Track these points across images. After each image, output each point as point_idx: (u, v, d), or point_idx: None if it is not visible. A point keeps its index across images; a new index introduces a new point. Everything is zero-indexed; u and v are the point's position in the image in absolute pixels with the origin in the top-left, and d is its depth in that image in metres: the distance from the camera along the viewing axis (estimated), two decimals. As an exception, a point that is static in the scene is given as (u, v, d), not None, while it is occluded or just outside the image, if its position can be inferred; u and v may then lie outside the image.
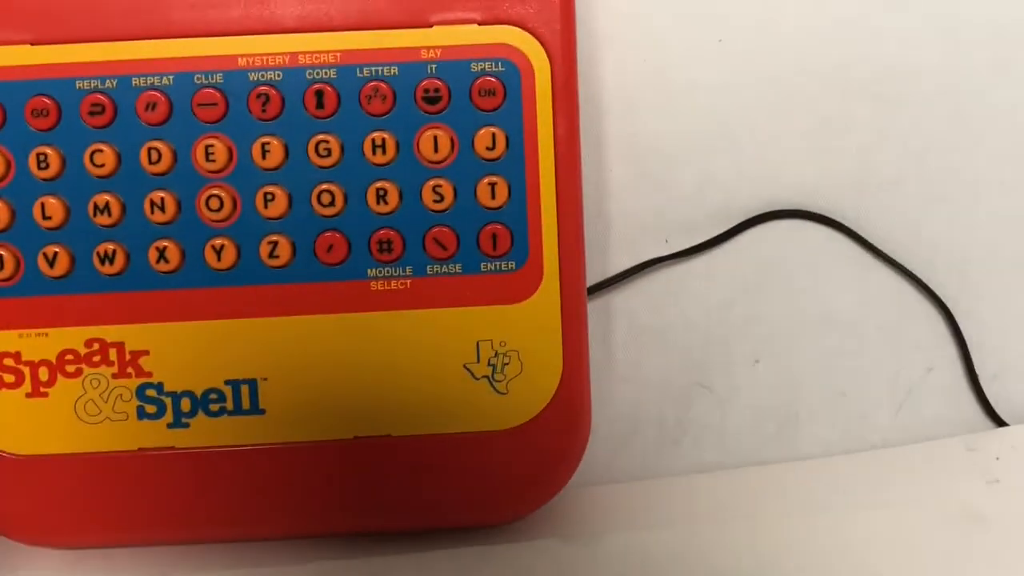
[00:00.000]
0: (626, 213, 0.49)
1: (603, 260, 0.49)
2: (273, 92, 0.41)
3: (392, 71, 0.42)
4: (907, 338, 0.50)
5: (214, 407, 0.43)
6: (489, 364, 0.43)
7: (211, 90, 0.41)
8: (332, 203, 0.42)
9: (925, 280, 0.50)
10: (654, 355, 0.49)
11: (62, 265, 0.42)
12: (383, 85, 0.42)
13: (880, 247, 0.50)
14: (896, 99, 0.49)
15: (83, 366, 0.43)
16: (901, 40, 0.49)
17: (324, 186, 0.42)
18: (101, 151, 0.41)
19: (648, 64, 0.48)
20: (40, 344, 0.42)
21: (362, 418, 0.43)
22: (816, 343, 0.50)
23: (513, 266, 0.43)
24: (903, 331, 0.50)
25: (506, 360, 0.43)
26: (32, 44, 0.41)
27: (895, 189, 0.50)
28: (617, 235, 0.49)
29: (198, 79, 0.41)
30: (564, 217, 0.43)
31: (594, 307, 0.49)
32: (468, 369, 0.43)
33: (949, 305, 0.50)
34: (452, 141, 0.42)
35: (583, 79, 0.46)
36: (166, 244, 0.42)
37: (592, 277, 0.48)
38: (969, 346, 0.50)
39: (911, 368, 0.50)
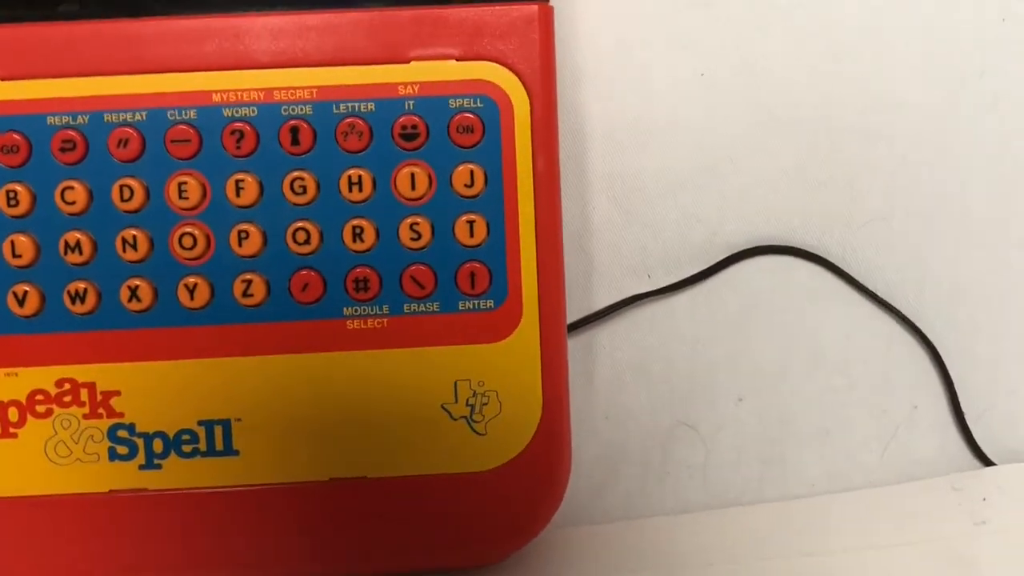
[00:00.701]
0: (608, 249, 0.48)
1: (585, 296, 0.49)
2: (248, 128, 0.41)
3: (369, 107, 0.41)
4: (893, 376, 0.50)
5: (187, 448, 0.42)
6: (467, 404, 0.42)
7: (184, 126, 0.41)
8: (307, 241, 0.41)
9: (911, 317, 0.49)
10: (637, 393, 0.49)
11: (32, 304, 0.41)
12: (360, 121, 0.41)
13: (866, 283, 0.49)
14: (882, 134, 0.49)
15: (53, 406, 0.42)
16: (887, 75, 0.48)
17: (299, 224, 0.41)
18: (72, 188, 0.41)
19: (630, 99, 0.48)
20: (9, 384, 0.42)
21: (338, 459, 0.42)
22: (801, 381, 0.49)
23: (492, 305, 0.42)
24: (889, 368, 0.50)
25: (484, 400, 0.42)
26: (1, 79, 0.41)
27: (881, 225, 0.49)
28: (599, 271, 0.48)
29: (171, 115, 0.41)
30: (544, 255, 0.42)
31: (576, 344, 0.48)
32: (446, 409, 0.42)
33: (935, 342, 0.49)
34: (430, 178, 0.41)
35: (564, 114, 0.46)
36: (138, 283, 0.41)
37: (574, 313, 0.47)
38: (955, 384, 0.50)
39: (897, 406, 0.50)
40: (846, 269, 0.49)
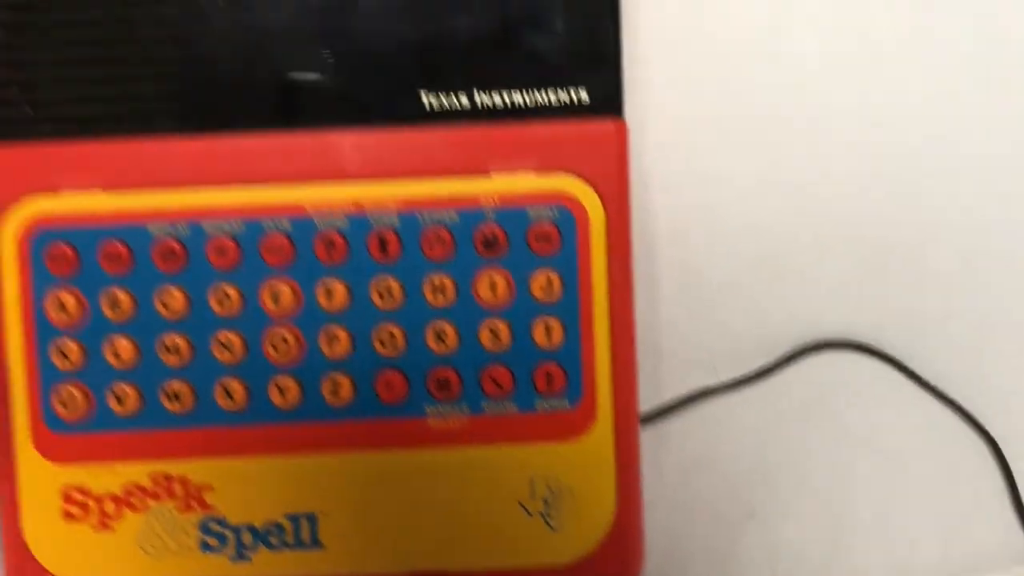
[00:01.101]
0: (677, 344, 0.50)
1: (654, 389, 0.50)
2: (338, 237, 0.43)
3: (452, 217, 0.43)
4: (955, 471, 0.51)
5: (274, 540, 0.44)
6: (543, 501, 0.44)
7: (279, 235, 0.43)
8: (393, 343, 0.43)
9: (973, 413, 0.50)
10: (704, 485, 0.50)
11: (131, 403, 0.43)
12: (443, 230, 0.43)
13: (928, 380, 0.50)
14: (944, 236, 0.50)
15: (148, 500, 0.44)
16: (950, 179, 0.50)
17: (385, 327, 0.43)
18: (171, 294, 0.43)
19: (699, 201, 0.49)
20: (108, 478, 0.44)
21: (419, 553, 0.44)
22: (864, 475, 0.50)
23: (567, 404, 0.44)
24: (951, 464, 0.51)
25: (560, 497, 0.44)
26: (105, 190, 0.43)
27: (943, 322, 0.50)
28: (668, 365, 0.50)
29: (267, 225, 0.43)
30: (617, 356, 0.44)
31: (645, 436, 0.49)
32: (523, 506, 0.44)
33: (997, 438, 0.50)
34: (509, 284, 0.43)
35: (635, 214, 0.47)
36: (232, 382, 0.43)
37: (643, 406, 0.49)
38: (1017, 479, 0.51)
39: (959, 502, 0.51)
40: (909, 365, 0.50)
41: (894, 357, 0.50)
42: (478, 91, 0.43)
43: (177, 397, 0.43)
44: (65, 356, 0.43)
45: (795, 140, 0.50)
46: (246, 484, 0.44)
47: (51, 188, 0.43)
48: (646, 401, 0.49)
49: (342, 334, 0.43)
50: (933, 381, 0.50)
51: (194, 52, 0.43)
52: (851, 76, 0.50)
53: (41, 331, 0.43)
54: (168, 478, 0.44)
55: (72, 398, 0.43)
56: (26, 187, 0.43)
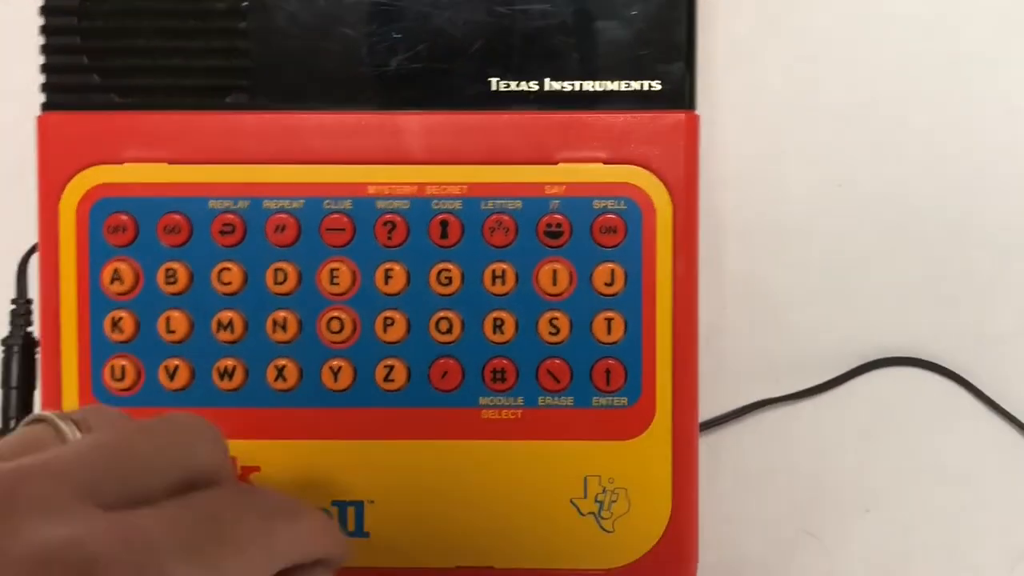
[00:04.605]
0: (738, 351, 0.49)
1: (713, 397, 0.49)
2: (399, 220, 0.42)
3: (516, 205, 0.42)
4: (1021, 494, 0.49)
5: (319, 527, 0.43)
6: (596, 501, 0.43)
7: (340, 215, 0.42)
8: (450, 330, 0.42)
9: (1041, 435, 0.49)
10: (760, 498, 0.49)
11: (182, 378, 0.43)
12: (506, 218, 0.42)
13: (996, 400, 0.48)
14: (1017, 251, 0.48)
15: (194, 479, 0.43)
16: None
17: (443, 313, 0.42)
18: (229, 269, 0.42)
19: (768, 205, 0.48)
20: (154, 455, 0.43)
21: (465, 548, 0.43)
22: (928, 495, 0.49)
23: (625, 402, 0.43)
24: (1017, 486, 0.49)
25: (614, 498, 0.43)
26: (169, 163, 0.43)
27: (1013, 341, 0.49)
28: (728, 373, 0.49)
29: (328, 204, 0.42)
30: (679, 355, 0.43)
31: (701, 444, 0.48)
32: (575, 504, 0.43)
33: (1066, 462, 0.49)
34: (571, 275, 0.42)
35: (703, 216, 0.46)
36: (285, 363, 0.43)
37: (701, 414, 0.47)
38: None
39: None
40: (976, 384, 0.48)
41: (960, 375, 0.49)
42: (548, 79, 0.43)
43: (228, 375, 0.43)
44: (119, 328, 0.42)
45: (869, 151, 0.49)
46: (293, 468, 0.43)
47: (115, 159, 0.43)
48: (704, 408, 0.48)
49: (399, 318, 0.42)
50: (999, 400, 0.48)
51: (265, 28, 0.42)
52: (928, 86, 0.49)
53: (96, 302, 0.43)
54: (215, 458, 0.43)
55: (123, 371, 0.43)
56: (90, 157, 0.43)
